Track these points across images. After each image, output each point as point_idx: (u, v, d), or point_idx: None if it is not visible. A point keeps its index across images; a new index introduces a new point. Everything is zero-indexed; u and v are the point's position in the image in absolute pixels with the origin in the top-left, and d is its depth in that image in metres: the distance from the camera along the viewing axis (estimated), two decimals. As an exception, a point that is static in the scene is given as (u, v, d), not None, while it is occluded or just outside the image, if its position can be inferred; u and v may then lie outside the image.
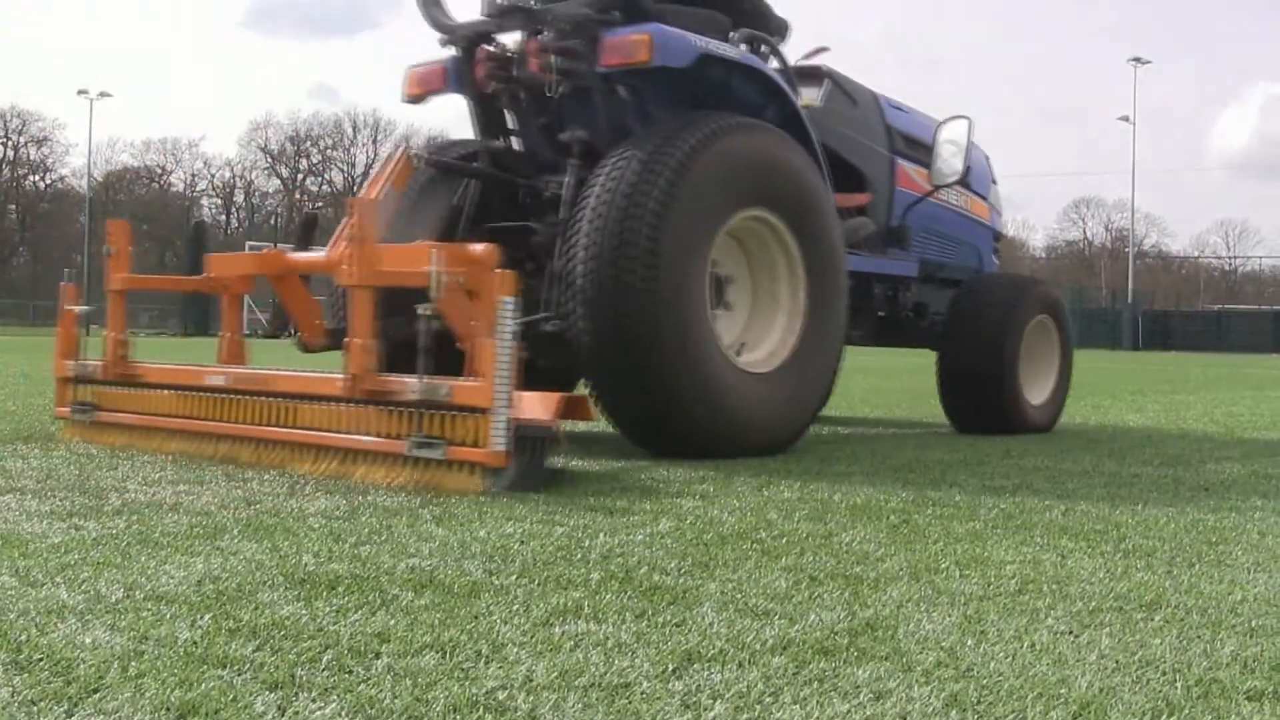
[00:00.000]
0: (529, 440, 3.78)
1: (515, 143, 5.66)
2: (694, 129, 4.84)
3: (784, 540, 3.00)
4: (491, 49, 5.34)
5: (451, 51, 5.48)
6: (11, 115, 67.12)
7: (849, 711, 1.71)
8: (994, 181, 7.71)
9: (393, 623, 2.09)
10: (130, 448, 4.72)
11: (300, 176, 77.72)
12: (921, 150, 6.61)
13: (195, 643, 1.93)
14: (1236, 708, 1.77)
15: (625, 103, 5.18)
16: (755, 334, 5.26)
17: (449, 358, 4.21)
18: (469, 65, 5.38)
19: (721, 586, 2.45)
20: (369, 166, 76.66)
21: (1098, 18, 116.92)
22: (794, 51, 6.16)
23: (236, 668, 1.82)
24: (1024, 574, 2.66)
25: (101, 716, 1.61)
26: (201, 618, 2.08)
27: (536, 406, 3.91)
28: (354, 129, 76.59)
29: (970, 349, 6.47)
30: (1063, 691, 1.81)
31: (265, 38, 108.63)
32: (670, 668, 1.88)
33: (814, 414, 5.35)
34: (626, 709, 1.70)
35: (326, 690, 1.73)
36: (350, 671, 1.82)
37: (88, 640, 1.93)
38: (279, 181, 77.67)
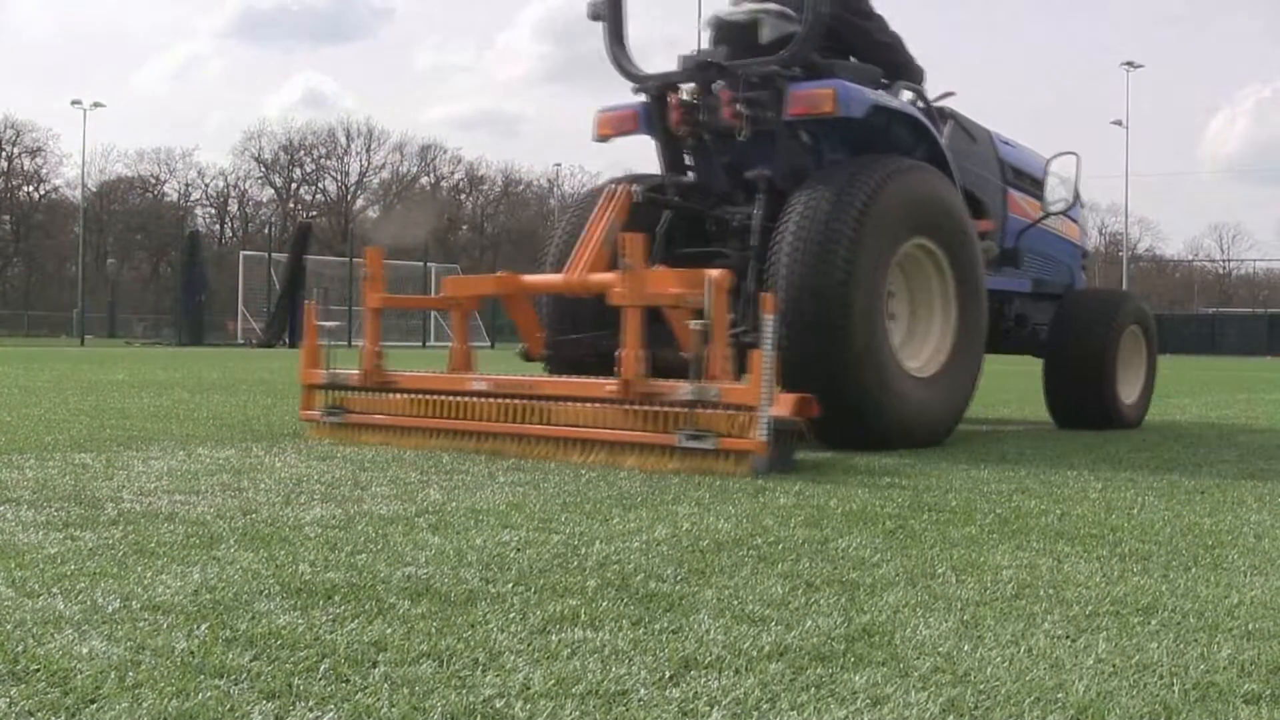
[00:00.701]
0: (782, 432, 4.53)
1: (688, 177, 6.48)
2: (874, 170, 5.62)
3: (780, 546, 3.00)
4: (683, 97, 6.10)
5: (640, 98, 6.32)
6: (5, 126, 67.14)
7: (846, 717, 1.71)
8: (1081, 204, 8.46)
9: (389, 631, 2.09)
10: (387, 445, 5.39)
11: (294, 186, 77.73)
12: (1026, 180, 7.51)
13: (192, 652, 1.93)
14: (1234, 711, 1.78)
15: (804, 146, 6.08)
16: (913, 344, 6.02)
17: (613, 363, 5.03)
18: (659, 110, 6.20)
19: (718, 593, 2.45)
20: (363, 175, 76.81)
21: (1090, 22, 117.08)
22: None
23: (233, 677, 1.81)
24: (1020, 578, 2.66)
25: (98, 727, 1.61)
26: (198, 627, 2.08)
27: (785, 405, 4.55)
28: (347, 138, 76.62)
29: (1075, 355, 7.35)
30: (1060, 696, 1.82)
31: (256, 46, 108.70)
32: (667, 675, 1.88)
33: (962, 413, 6.13)
34: (624, 716, 1.70)
35: (324, 699, 1.73)
36: (347, 680, 1.82)
37: (84, 650, 1.93)
38: (273, 191, 77.68)
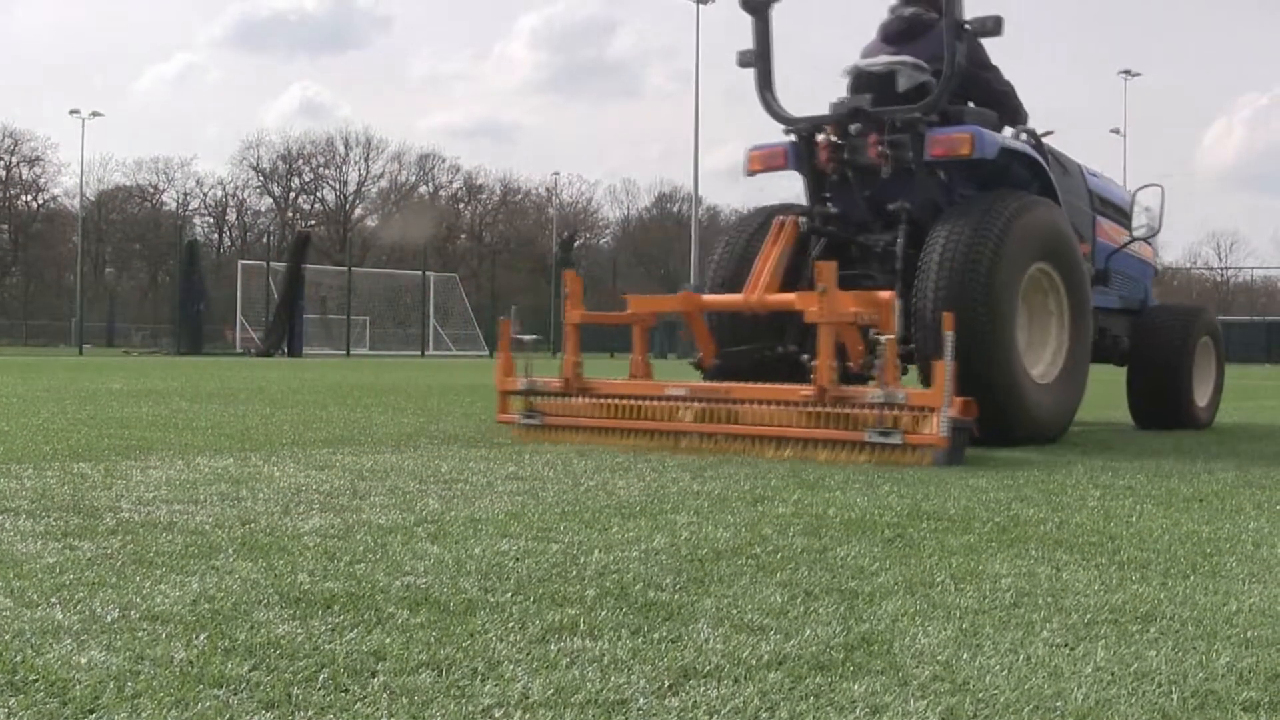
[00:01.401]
0: (957, 430, 5.28)
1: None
2: (1005, 205, 6.49)
3: (779, 555, 3.00)
4: (832, 138, 6.91)
5: (789, 138, 7.15)
6: (3, 135, 67.12)
7: (845, 726, 1.71)
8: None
9: (388, 641, 2.09)
10: (586, 444, 6.02)
11: (292, 195, 77.71)
12: (1110, 208, 8.35)
13: (191, 662, 1.93)
14: (1233, 719, 1.78)
15: (939, 182, 6.86)
16: (1034, 354, 6.80)
17: (769, 371, 6.48)
18: (808, 149, 7.03)
19: (717, 602, 2.45)
20: (361, 184, 76.80)
21: (1088, 30, 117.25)
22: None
23: (232, 687, 1.81)
24: (1019, 587, 2.66)
25: (97, 737, 1.61)
26: (197, 637, 2.08)
27: (957, 407, 5.28)
28: (345, 147, 76.62)
29: (1157, 364, 8.19)
30: (1059, 704, 1.82)
31: (254, 55, 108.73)
32: (666, 684, 1.88)
33: (1074, 414, 6.99)
34: (623, 725, 1.70)
35: (323, 709, 1.73)
36: (346, 690, 1.82)
37: (83, 660, 1.93)
38: (271, 200, 77.66)
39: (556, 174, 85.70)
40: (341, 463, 5.01)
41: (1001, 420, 6.13)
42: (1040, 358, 6.85)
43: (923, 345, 6.17)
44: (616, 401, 6.19)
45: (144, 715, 1.68)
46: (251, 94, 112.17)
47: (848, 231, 7.01)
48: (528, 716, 1.72)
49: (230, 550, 2.92)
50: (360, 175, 76.94)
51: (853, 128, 6.86)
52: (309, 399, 10.34)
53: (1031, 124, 7.49)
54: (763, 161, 7.26)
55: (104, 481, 4.25)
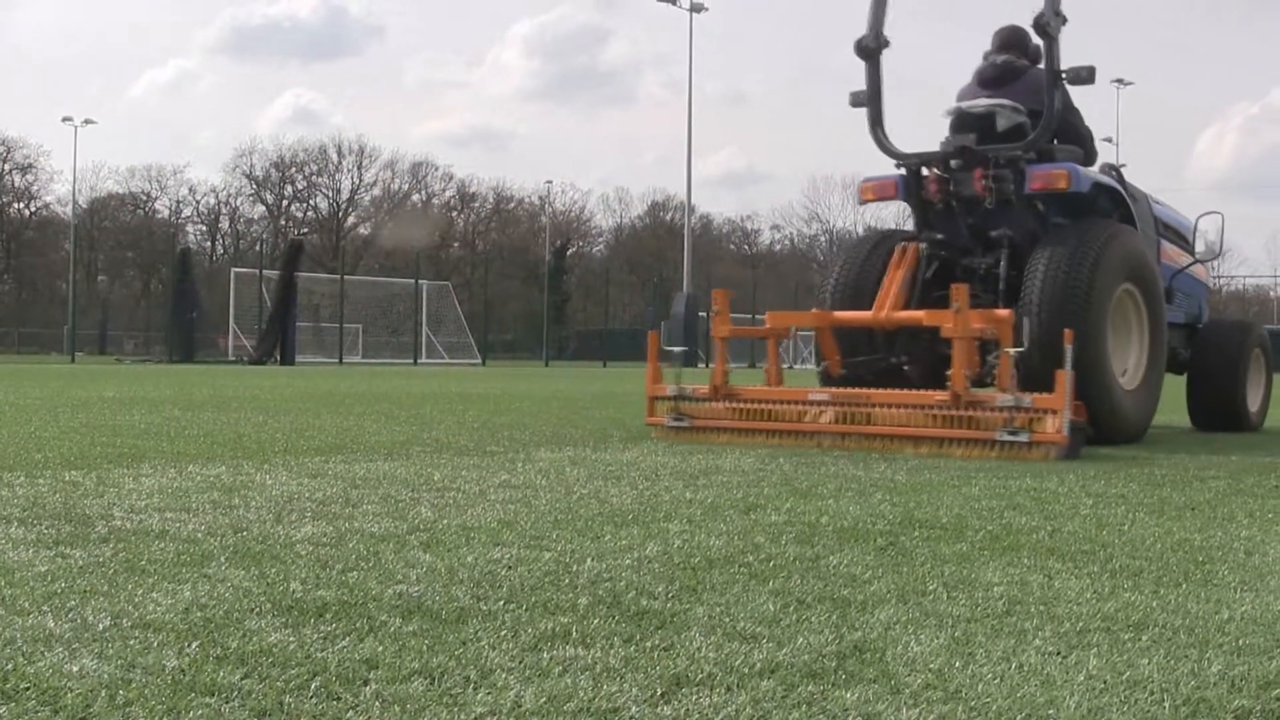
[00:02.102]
0: (1075, 429, 6.16)
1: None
2: (1098, 232, 7.40)
3: (771, 564, 3.00)
4: (938, 172, 7.81)
5: (899, 171, 7.99)
6: (-4, 143, 66.99)
7: (838, 734, 1.71)
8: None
9: (381, 649, 2.09)
10: (730, 444, 6.73)
11: (285, 203, 77.70)
12: (1171, 232, 9.17)
13: (183, 670, 1.93)
14: (1224, 727, 1.78)
15: (1036, 212, 7.76)
16: (1119, 364, 7.60)
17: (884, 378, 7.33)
18: (916, 181, 7.90)
19: (709, 610, 2.45)
20: (354, 192, 76.79)
21: (1078, 39, 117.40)
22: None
23: (224, 695, 1.81)
24: (1011, 595, 2.67)
25: (89, 746, 1.61)
26: (189, 645, 2.08)
27: (1075, 410, 6.17)
28: (338, 154, 76.61)
29: (1215, 372, 9.07)
30: (1051, 713, 1.82)
31: (247, 62, 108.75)
32: (659, 692, 1.88)
33: (1152, 417, 7.97)
34: (615, 734, 1.70)
35: (315, 717, 1.73)
36: (338, 698, 1.82)
37: (75, 669, 1.92)
38: (264, 208, 77.64)
39: (549, 182, 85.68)
40: (334, 471, 5.01)
41: (1097, 422, 6.82)
42: (1125, 367, 7.70)
43: (1029, 356, 6.78)
44: (760, 406, 6.96)
45: (135, 724, 1.67)
46: (244, 101, 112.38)
47: (952, 256, 7.86)
48: (520, 725, 1.72)
49: (222, 558, 2.92)
50: (353, 183, 76.98)
51: (953, 163, 7.72)
52: (301, 407, 10.33)
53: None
54: (875, 192, 8.14)
55: (96, 489, 4.24)
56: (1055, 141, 7.89)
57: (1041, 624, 2.39)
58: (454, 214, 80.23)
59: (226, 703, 1.78)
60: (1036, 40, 7.83)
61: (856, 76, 8.14)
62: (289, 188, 77.11)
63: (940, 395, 6.42)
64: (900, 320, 7.29)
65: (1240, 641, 2.27)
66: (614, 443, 6.83)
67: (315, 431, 7.33)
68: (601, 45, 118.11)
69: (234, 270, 48.16)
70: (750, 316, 54.80)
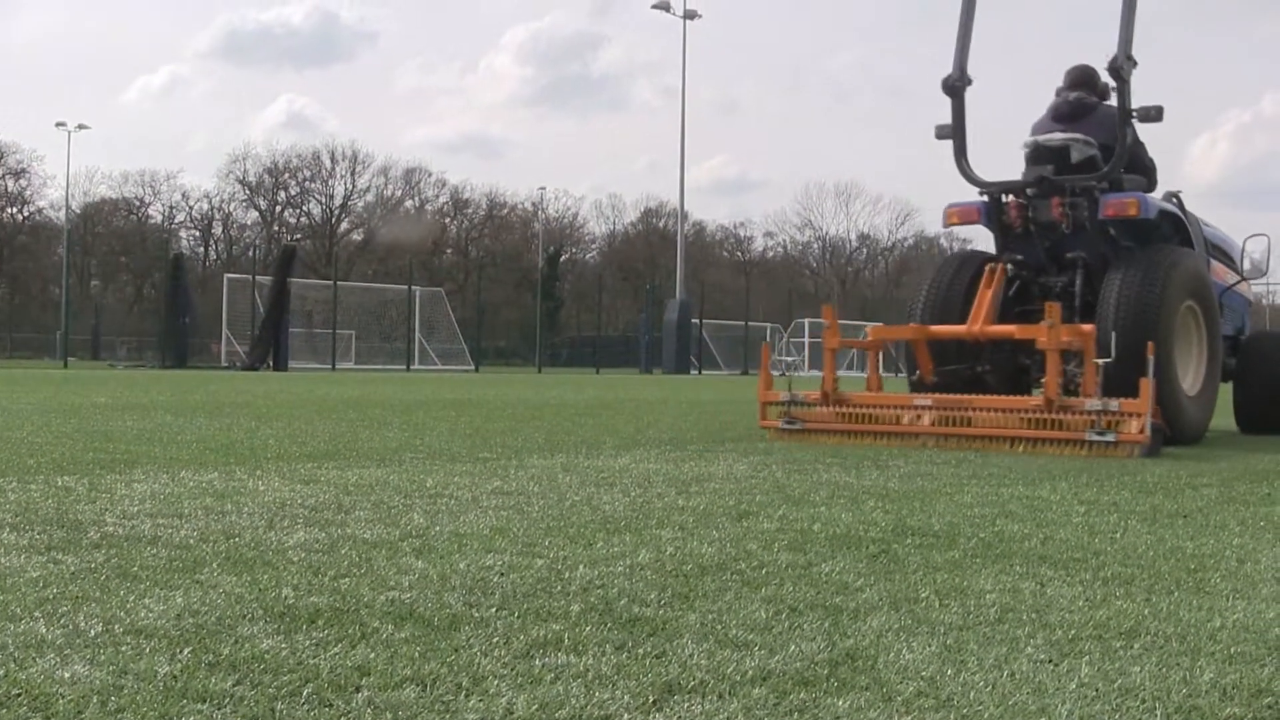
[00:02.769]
0: (1155, 430, 6.96)
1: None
2: (1165, 255, 8.27)
3: (764, 571, 3.00)
4: (1018, 200, 8.62)
5: (980, 198, 8.84)
6: (-11, 148, 66.91)
7: (830, 742, 1.71)
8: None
9: (373, 656, 2.08)
10: (840, 445, 7.43)
11: (278, 209, 77.65)
12: (1219, 252, 9.98)
13: (175, 677, 1.92)
14: (1215, 735, 1.78)
15: (1108, 236, 8.54)
16: (1183, 372, 8.32)
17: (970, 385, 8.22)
18: (998, 208, 8.75)
19: (701, 618, 2.45)
20: (347, 198, 76.78)
21: (1072, 46, 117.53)
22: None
23: (216, 702, 1.81)
24: (1003, 602, 2.67)
25: (80, 752, 1.60)
26: (181, 651, 2.08)
27: (1155, 413, 6.93)
28: (332, 161, 76.59)
29: (1259, 379, 9.84)
30: (1042, 720, 1.82)
31: (240, 68, 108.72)
32: (651, 699, 1.88)
33: (1209, 421, 8.72)
34: (608, 741, 1.70)
35: (306, 724, 1.73)
36: (330, 705, 1.81)
37: (67, 675, 1.92)
38: (257, 214, 77.58)
39: (543, 188, 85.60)
40: (326, 477, 5.01)
41: (1173, 425, 7.66)
42: (1186, 375, 8.45)
43: (1112, 366, 7.43)
44: (867, 410, 7.71)
45: (127, 730, 1.67)
46: (238, 107, 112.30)
47: (1031, 275, 8.71)
48: (512, 732, 1.72)
49: (214, 564, 2.92)
50: (346, 189, 76.99)
51: (1031, 191, 8.54)
52: (294, 413, 10.31)
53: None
54: (959, 216, 9.03)
55: (88, 495, 4.23)
56: (1123, 171, 8.60)
57: (1033, 632, 2.39)
58: (447, 220, 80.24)
59: (218, 709, 1.78)
60: (1105, 78, 8.68)
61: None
62: (282, 193, 77.10)
63: (1034, 400, 7.28)
64: (994, 334, 8.01)
65: (1232, 649, 2.28)
66: (606, 449, 6.83)
67: (308, 437, 7.32)
68: (595, 52, 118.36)
69: (227, 276, 48.07)
70: (744, 324, 55.15)
